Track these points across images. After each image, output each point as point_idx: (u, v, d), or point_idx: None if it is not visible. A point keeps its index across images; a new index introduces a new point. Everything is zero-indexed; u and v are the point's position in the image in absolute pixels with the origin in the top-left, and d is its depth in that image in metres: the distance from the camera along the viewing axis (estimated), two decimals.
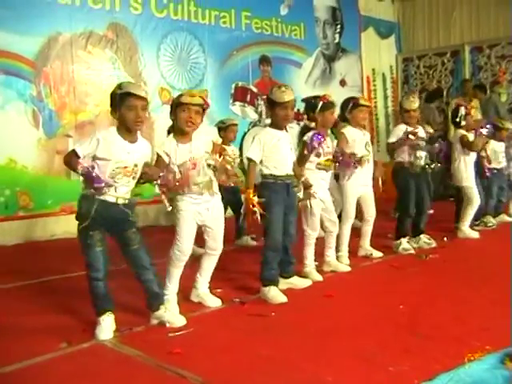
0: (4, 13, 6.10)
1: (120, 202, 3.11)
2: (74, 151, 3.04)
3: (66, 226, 6.51)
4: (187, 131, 3.41)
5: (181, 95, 3.44)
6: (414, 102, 5.11)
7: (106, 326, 3.12)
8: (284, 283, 3.94)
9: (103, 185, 2.96)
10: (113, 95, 3.10)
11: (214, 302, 3.66)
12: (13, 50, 6.20)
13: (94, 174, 2.93)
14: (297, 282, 4.04)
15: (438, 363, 2.51)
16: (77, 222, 3.12)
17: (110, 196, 3.07)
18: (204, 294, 3.71)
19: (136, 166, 3.13)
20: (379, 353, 2.71)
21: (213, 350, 2.87)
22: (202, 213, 3.49)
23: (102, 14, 6.93)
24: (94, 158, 3.04)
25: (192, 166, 3.36)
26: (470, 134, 5.65)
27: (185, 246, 3.47)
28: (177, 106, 3.40)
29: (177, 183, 3.29)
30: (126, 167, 3.08)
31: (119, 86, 3.09)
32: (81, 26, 6.74)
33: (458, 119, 5.70)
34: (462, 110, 5.68)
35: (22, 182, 6.30)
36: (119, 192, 3.09)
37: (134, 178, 3.15)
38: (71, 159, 3.03)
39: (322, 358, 2.71)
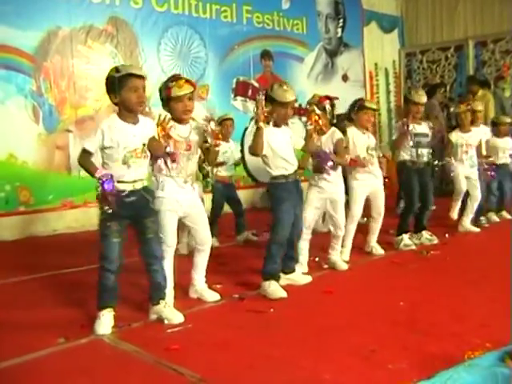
0: (4, 7, 6.08)
1: (138, 186, 3.13)
2: (84, 150, 3.07)
3: (66, 222, 6.55)
4: (185, 119, 3.47)
5: (169, 88, 3.39)
6: (423, 96, 5.10)
7: (105, 322, 3.12)
8: (284, 279, 3.93)
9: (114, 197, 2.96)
10: (110, 79, 3.07)
11: (212, 296, 3.66)
12: (13, 45, 6.19)
13: (109, 186, 2.92)
14: (297, 279, 4.03)
15: (437, 361, 2.49)
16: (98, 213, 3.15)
17: (127, 184, 3.09)
18: (202, 289, 3.71)
19: (144, 145, 3.14)
20: (378, 350, 2.70)
21: (211, 346, 2.86)
22: (183, 204, 3.50)
23: (102, 8, 6.91)
24: (103, 148, 3.07)
25: (187, 147, 3.45)
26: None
27: (169, 239, 3.48)
28: (168, 99, 3.42)
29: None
30: (135, 149, 3.10)
31: (116, 70, 3.07)
32: (81, 21, 6.72)
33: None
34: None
35: (22, 178, 6.30)
36: (136, 175, 3.12)
37: (145, 157, 3.16)
38: (86, 161, 3.07)
39: (320, 355, 2.70)
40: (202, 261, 3.73)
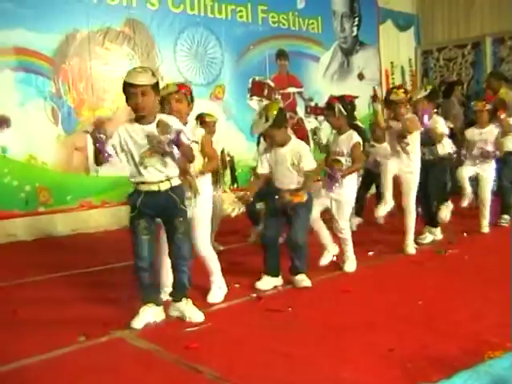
0: (23, 11, 6.15)
1: (163, 188, 3.15)
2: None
3: (85, 222, 6.60)
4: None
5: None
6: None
7: (140, 317, 3.19)
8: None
9: (106, 154, 3.01)
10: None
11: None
12: (32, 48, 6.25)
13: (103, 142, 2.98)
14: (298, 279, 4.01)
15: (456, 360, 2.48)
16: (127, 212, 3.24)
17: (147, 185, 3.15)
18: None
19: (159, 142, 3.10)
20: (397, 349, 2.69)
21: (229, 345, 2.88)
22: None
23: (119, 10, 6.95)
24: (122, 150, 3.15)
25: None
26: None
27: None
28: (160, 102, 3.43)
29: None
30: (149, 148, 3.11)
31: (126, 74, 3.14)
32: (98, 23, 6.77)
33: None
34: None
35: (41, 178, 6.37)
36: (155, 176, 3.14)
37: (163, 154, 3.11)
38: None
39: (338, 354, 2.70)
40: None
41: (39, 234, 6.25)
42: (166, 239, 3.34)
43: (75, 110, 6.62)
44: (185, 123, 3.45)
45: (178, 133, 3.01)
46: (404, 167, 4.82)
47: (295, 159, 3.88)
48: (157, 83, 3.13)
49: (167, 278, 3.55)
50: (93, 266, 4.67)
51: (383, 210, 4.94)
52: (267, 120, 3.76)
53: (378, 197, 6.28)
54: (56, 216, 6.46)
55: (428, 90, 5.47)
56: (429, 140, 5.08)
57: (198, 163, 3.54)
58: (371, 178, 6.05)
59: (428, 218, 5.33)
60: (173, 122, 3.12)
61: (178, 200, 3.21)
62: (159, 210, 3.20)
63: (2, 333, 3.15)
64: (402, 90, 4.83)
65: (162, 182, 3.16)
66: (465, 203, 5.69)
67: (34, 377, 2.61)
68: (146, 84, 3.07)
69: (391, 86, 10.52)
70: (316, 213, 4.28)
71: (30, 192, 6.28)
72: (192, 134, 3.38)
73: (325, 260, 4.44)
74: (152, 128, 3.11)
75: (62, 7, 6.45)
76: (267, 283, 3.94)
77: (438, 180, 5.25)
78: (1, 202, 6.05)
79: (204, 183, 3.62)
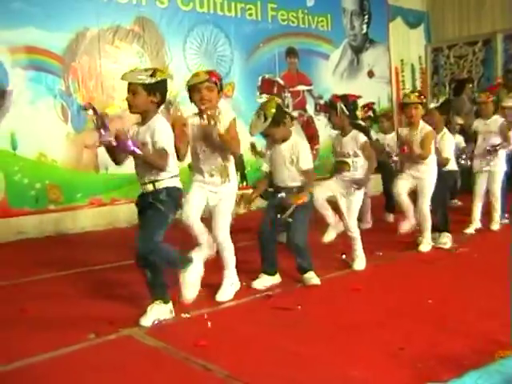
0: (33, 10, 6.19)
1: (149, 188, 3.19)
2: None
3: (95, 219, 6.62)
4: (203, 109, 3.51)
5: (189, 80, 3.57)
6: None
7: (149, 315, 3.20)
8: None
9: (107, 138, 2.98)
10: None
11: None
12: (42, 46, 6.29)
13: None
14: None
15: (466, 359, 2.46)
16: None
17: (142, 186, 3.22)
18: None
19: (144, 144, 3.13)
20: (407, 348, 2.67)
21: (239, 343, 2.87)
22: (208, 195, 3.65)
23: (129, 8, 6.97)
24: None
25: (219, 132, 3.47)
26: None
27: (185, 208, 3.58)
28: (189, 90, 3.57)
29: None
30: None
31: None
32: (108, 21, 6.80)
33: None
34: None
35: (51, 176, 6.40)
36: (145, 178, 3.19)
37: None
38: None
39: (348, 353, 2.68)
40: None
41: (49, 231, 6.28)
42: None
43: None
44: (216, 111, 3.52)
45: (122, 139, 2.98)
46: (417, 179, 4.80)
47: (294, 157, 3.86)
48: (154, 83, 3.10)
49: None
50: (102, 264, 4.68)
51: (405, 226, 4.87)
52: (266, 119, 3.74)
53: (386, 195, 6.27)
54: (66, 214, 6.49)
55: (440, 101, 5.45)
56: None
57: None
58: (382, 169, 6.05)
59: (442, 222, 5.20)
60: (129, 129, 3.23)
61: (153, 199, 3.19)
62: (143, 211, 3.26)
63: (11, 330, 3.16)
64: (416, 94, 4.82)
65: (147, 183, 3.20)
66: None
67: (42, 374, 2.62)
68: (136, 83, 3.09)
69: (401, 83, 10.50)
70: (322, 198, 4.29)
71: (40, 190, 6.31)
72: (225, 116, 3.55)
73: (328, 237, 4.41)
74: (144, 129, 3.15)
75: (72, 6, 6.48)
76: (263, 282, 3.93)
77: (437, 196, 5.14)
78: (11, 199, 6.09)
79: (232, 171, 3.70)
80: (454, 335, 2.83)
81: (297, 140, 3.96)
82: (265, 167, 4.06)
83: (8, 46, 6.06)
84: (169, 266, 3.31)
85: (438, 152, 4.94)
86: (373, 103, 6.71)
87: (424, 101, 4.83)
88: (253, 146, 4.97)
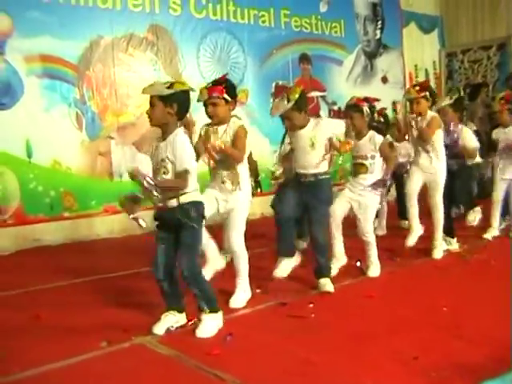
0: (48, 19, 6.24)
1: (173, 204, 3.13)
2: None
3: (109, 227, 6.64)
4: (215, 123, 3.65)
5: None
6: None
7: (162, 323, 3.20)
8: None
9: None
10: None
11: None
12: (57, 55, 6.33)
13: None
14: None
15: (482, 369, 2.43)
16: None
17: (159, 201, 3.13)
18: None
19: (163, 160, 3.12)
20: (421, 357, 2.64)
21: (252, 351, 2.86)
22: (220, 203, 3.68)
23: (142, 16, 7.01)
24: None
25: (217, 149, 3.52)
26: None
27: None
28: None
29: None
30: (156, 164, 3.16)
31: None
32: (122, 29, 6.83)
33: None
34: None
35: (66, 184, 6.43)
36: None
37: (164, 173, 3.12)
38: None
39: (361, 361, 2.66)
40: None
41: (64, 238, 6.30)
42: None
43: (99, 116, 6.68)
44: (227, 122, 3.65)
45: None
46: (428, 173, 4.76)
47: (314, 140, 3.85)
48: (171, 95, 3.06)
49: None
50: (116, 271, 4.69)
51: (412, 239, 4.85)
52: (288, 102, 3.75)
53: (399, 202, 6.23)
54: (80, 221, 6.51)
55: (453, 98, 5.40)
56: (458, 153, 5.03)
57: None
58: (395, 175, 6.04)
59: (445, 226, 5.15)
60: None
61: (178, 215, 3.15)
62: (167, 225, 3.24)
63: (25, 338, 3.17)
64: (417, 88, 4.76)
65: (166, 199, 3.15)
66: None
67: (56, 382, 2.62)
68: (153, 95, 3.09)
69: None
70: (340, 216, 4.27)
71: (55, 197, 6.35)
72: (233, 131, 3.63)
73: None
74: (164, 145, 3.13)
75: (86, 14, 6.52)
76: (285, 268, 3.94)
77: (463, 187, 5.13)
78: (26, 207, 6.13)
79: (244, 179, 3.70)
80: (470, 344, 2.79)
81: (316, 121, 3.94)
82: (275, 168, 4.07)
83: (23, 55, 6.11)
84: (204, 303, 3.22)
85: (463, 147, 4.92)
86: (384, 109, 6.67)
87: (426, 94, 4.72)
88: (272, 174, 4.95)
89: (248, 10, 8.03)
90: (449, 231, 5.06)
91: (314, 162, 3.88)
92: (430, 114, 4.74)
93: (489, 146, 5.74)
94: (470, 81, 10.40)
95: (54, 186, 6.34)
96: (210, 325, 3.18)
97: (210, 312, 3.19)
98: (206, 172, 3.82)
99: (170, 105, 3.08)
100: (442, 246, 4.88)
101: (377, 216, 4.77)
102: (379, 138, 4.28)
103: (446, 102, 5.33)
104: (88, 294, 4.07)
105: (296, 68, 8.67)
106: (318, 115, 8.72)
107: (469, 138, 5.06)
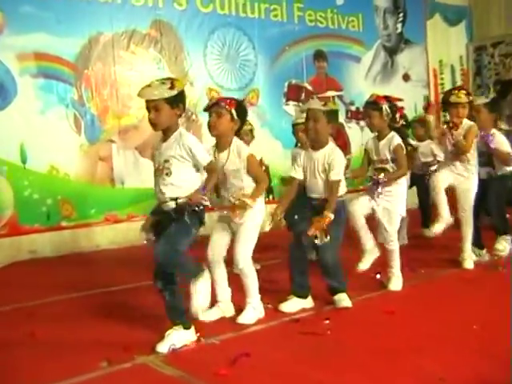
0: (43, 14, 6.31)
1: (165, 207, 3.20)
2: None
3: (110, 236, 6.67)
4: (212, 136, 3.67)
5: None
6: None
7: (166, 340, 3.20)
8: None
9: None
10: None
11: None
12: (53, 53, 6.40)
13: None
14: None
15: None
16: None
17: (162, 204, 3.22)
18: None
19: (166, 161, 3.20)
20: (447, 378, 2.62)
21: (262, 372, 2.85)
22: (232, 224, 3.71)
23: (145, 11, 7.06)
24: None
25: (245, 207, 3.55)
26: None
27: (208, 250, 3.69)
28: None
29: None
30: (158, 165, 3.24)
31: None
32: (122, 25, 6.89)
33: None
34: None
35: (64, 191, 6.48)
36: (163, 195, 3.21)
37: (167, 174, 3.20)
38: None
39: (381, 382, 2.64)
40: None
41: (62, 250, 6.34)
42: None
43: (99, 118, 6.72)
44: (228, 142, 3.63)
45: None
46: (459, 176, 4.75)
47: (326, 165, 3.83)
48: (176, 95, 3.13)
49: (222, 291, 3.75)
50: (117, 285, 4.70)
51: (439, 226, 4.80)
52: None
53: (422, 209, 6.22)
54: (79, 231, 6.56)
55: (489, 97, 5.38)
56: (490, 161, 5.03)
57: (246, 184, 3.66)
58: (417, 182, 6.06)
59: (474, 237, 5.02)
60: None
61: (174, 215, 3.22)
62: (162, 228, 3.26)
63: (19, 356, 3.18)
64: (464, 92, 4.77)
65: (167, 200, 3.20)
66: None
67: None
68: (158, 99, 3.12)
69: (440, 87, 10.40)
70: (361, 217, 4.25)
71: (52, 205, 6.39)
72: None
73: (364, 265, 4.33)
74: (168, 143, 3.20)
75: (85, 9, 6.59)
76: (292, 305, 3.89)
77: (497, 194, 5.11)
78: (21, 216, 6.18)
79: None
80: (501, 364, 2.76)
81: (333, 148, 3.91)
82: (294, 173, 4.02)
83: (16, 53, 6.17)
84: (186, 276, 3.30)
85: (497, 153, 4.92)
86: (402, 108, 6.64)
87: (471, 99, 4.79)
88: (283, 180, 4.97)
89: (258, 4, 8.07)
90: (478, 242, 5.04)
91: (322, 189, 3.88)
92: (467, 122, 4.74)
93: None
94: (500, 77, 10.33)
95: (50, 193, 6.38)
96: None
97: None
98: None
99: (177, 106, 3.18)
100: (471, 258, 4.86)
101: None
102: (396, 140, 4.25)
103: (482, 100, 5.31)
104: (87, 310, 4.09)
105: (310, 66, 8.69)
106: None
107: (504, 142, 5.05)
